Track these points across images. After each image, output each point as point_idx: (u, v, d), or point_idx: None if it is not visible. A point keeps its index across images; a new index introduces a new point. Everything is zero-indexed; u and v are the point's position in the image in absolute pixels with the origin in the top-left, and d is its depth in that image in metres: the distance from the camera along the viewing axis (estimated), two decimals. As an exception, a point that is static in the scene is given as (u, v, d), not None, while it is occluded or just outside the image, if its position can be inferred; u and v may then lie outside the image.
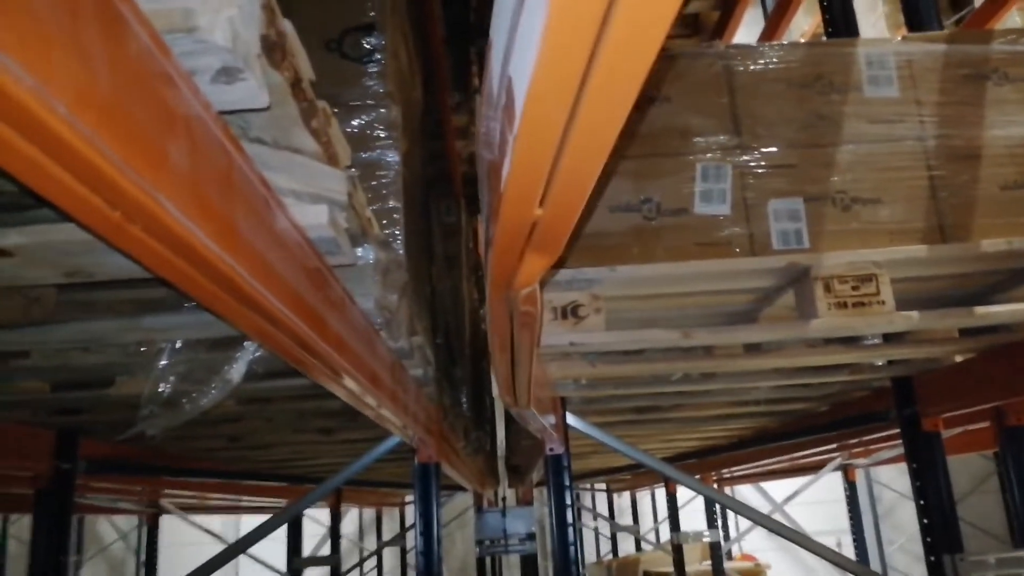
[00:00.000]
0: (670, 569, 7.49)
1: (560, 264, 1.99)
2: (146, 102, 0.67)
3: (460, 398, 4.38)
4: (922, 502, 2.91)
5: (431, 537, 2.74)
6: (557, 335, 1.88)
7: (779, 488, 10.60)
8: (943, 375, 2.82)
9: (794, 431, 3.98)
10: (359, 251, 1.51)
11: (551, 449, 2.83)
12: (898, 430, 3.08)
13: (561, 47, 0.56)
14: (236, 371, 1.68)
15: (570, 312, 1.90)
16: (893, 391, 3.03)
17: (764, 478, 9.14)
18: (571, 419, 2.88)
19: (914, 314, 1.95)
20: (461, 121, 4.85)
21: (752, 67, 2.18)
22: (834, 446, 4.56)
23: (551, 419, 2.82)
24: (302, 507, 2.75)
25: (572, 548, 2.72)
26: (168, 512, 6.56)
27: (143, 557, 7.43)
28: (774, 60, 2.18)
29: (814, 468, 7.63)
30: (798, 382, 2.93)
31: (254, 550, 7.56)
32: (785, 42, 2.35)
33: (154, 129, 0.68)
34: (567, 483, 2.81)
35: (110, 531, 11.63)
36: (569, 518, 2.75)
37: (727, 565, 7.73)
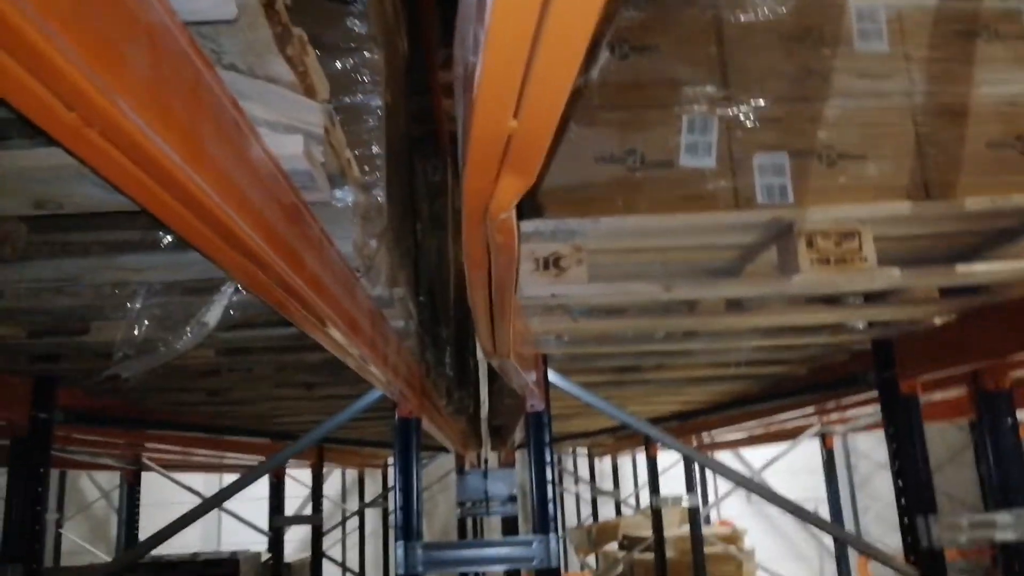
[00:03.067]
0: (649, 533, 7.59)
1: (541, 213, 1.97)
2: (108, 5, 0.64)
3: (443, 358, 4.37)
4: (898, 464, 2.94)
5: (411, 492, 2.75)
6: (538, 286, 1.87)
7: (758, 456, 10.75)
8: (922, 338, 2.84)
9: (774, 394, 4.01)
10: (337, 192, 1.48)
11: (532, 406, 2.83)
12: (876, 395, 3.11)
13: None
14: (212, 315, 1.65)
15: (552, 263, 1.88)
16: (873, 353, 3.05)
17: (744, 445, 9.24)
18: (553, 376, 2.88)
19: (895, 271, 1.95)
20: (448, 78, 4.78)
21: (743, 17, 2.14)
22: (813, 411, 4.60)
23: (532, 376, 2.82)
24: (280, 461, 2.74)
25: (551, 506, 2.73)
26: (149, 469, 6.56)
27: (125, 516, 7.42)
28: (765, 10, 2.15)
29: (793, 435, 7.73)
30: (779, 343, 2.94)
31: (237, 510, 7.60)
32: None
33: (115, 32, 0.65)
34: (547, 440, 2.82)
35: (92, 489, 11.62)
36: (549, 475, 2.76)
37: (705, 529, 7.84)
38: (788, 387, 4.00)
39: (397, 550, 2.67)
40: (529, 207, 2.02)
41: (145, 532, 9.12)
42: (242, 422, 4.47)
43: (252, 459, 7.44)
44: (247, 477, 2.85)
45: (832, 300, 2.50)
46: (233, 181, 0.92)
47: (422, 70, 3.88)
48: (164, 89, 0.73)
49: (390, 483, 11.52)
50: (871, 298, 2.56)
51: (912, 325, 2.82)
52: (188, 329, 1.63)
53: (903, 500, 2.91)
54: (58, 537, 11.33)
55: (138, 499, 7.25)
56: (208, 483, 15.43)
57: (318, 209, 1.37)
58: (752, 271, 2.20)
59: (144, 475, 7.19)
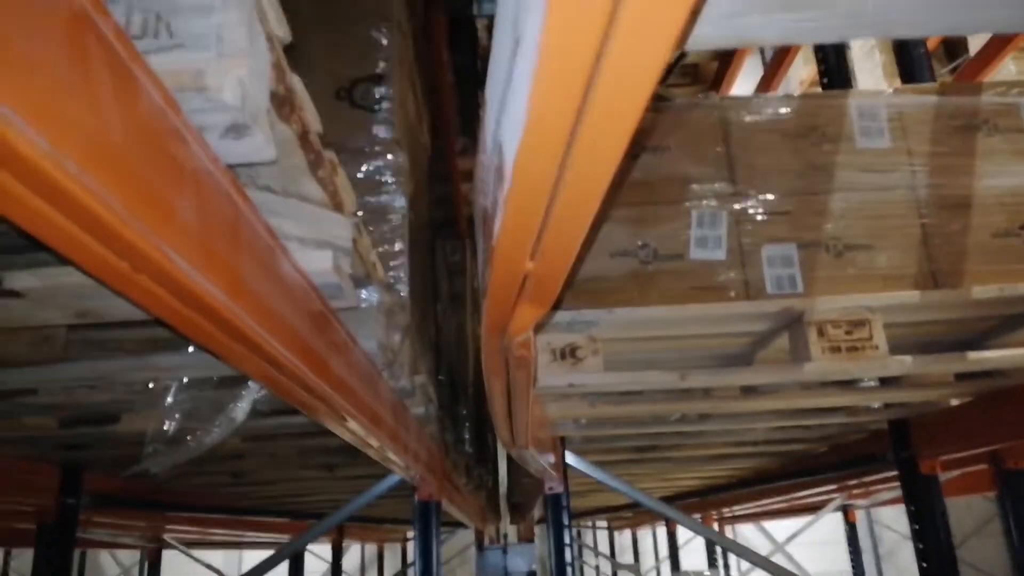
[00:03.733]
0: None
1: (558, 306, 2.03)
2: (155, 157, 0.71)
3: (463, 435, 4.40)
4: (920, 545, 2.91)
5: (431, 574, 2.75)
6: (556, 376, 1.92)
7: (780, 528, 10.51)
8: (939, 418, 2.84)
9: (792, 472, 3.98)
10: (363, 293, 1.56)
11: (550, 488, 2.84)
12: (896, 472, 3.09)
13: (547, 116, 0.61)
14: (240, 409, 1.71)
15: (568, 353, 1.94)
16: (890, 433, 3.05)
17: (765, 518, 9.06)
18: (570, 458, 2.90)
19: (907, 359, 1.99)
20: (467, 164, 4.94)
21: (748, 118, 2.24)
22: (834, 487, 4.55)
23: (550, 458, 2.84)
24: (303, 543, 2.76)
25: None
26: (170, 547, 6.53)
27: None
28: (769, 111, 2.25)
29: (814, 508, 7.59)
30: (795, 424, 2.95)
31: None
32: (780, 94, 2.42)
33: (163, 183, 0.72)
34: (566, 522, 2.83)
35: (112, 565, 11.51)
36: (568, 557, 2.76)
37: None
38: (807, 464, 3.97)
39: (416, 637, 2.66)
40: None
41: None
42: (264, 502, 4.48)
43: (273, 537, 7.39)
44: (270, 559, 2.86)
45: (846, 383, 2.53)
46: (266, 302, 0.99)
47: (443, 155, 4.03)
48: (208, 232, 0.81)
49: (410, 558, 11.35)
50: (886, 381, 2.59)
51: (928, 407, 2.83)
52: (217, 424, 1.69)
53: (928, 583, 2.87)
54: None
55: (157, 576, 7.20)
56: (228, 559, 15.25)
57: (344, 312, 1.44)
58: (765, 357, 2.24)
59: (165, 552, 7.15)
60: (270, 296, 1.01)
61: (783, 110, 2.23)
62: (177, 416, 1.72)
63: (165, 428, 1.72)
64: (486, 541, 8.97)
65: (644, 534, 12.92)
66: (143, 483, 3.48)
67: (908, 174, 2.18)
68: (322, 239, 1.22)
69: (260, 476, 3.62)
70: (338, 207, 1.29)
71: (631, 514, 9.80)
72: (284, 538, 7.42)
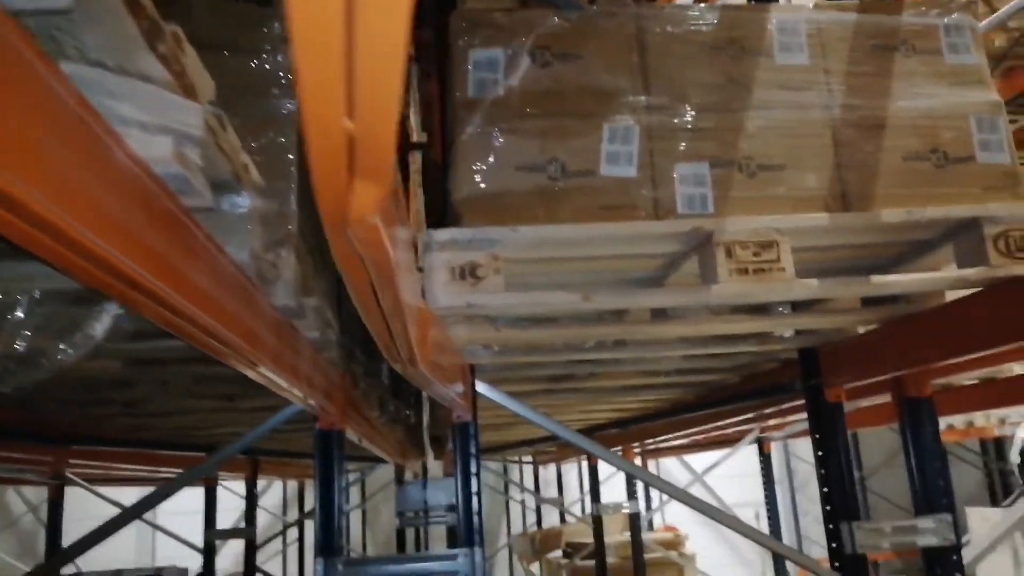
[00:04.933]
0: (591, 540, 7.58)
1: (458, 222, 1.92)
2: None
3: (377, 368, 4.30)
4: (823, 471, 2.96)
5: (331, 507, 2.66)
6: (454, 296, 1.81)
7: (702, 461, 10.86)
8: (846, 346, 2.86)
9: (706, 402, 4.02)
10: (232, 198, 1.40)
11: (458, 416, 2.77)
12: (803, 400, 3.13)
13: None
14: (100, 326, 1.56)
15: (468, 273, 1.83)
16: (799, 362, 3.07)
17: (686, 451, 9.33)
18: (481, 387, 2.83)
19: (813, 282, 1.95)
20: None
21: (666, 27, 2.13)
22: (749, 417, 4.63)
23: (459, 387, 2.76)
24: (197, 475, 2.63)
25: (476, 518, 2.68)
26: (73, 483, 6.29)
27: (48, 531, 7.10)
28: (688, 21, 2.14)
29: (732, 441, 7.82)
30: (707, 352, 2.94)
31: (172, 524, 7.33)
32: (701, 4, 2.31)
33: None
34: (474, 452, 2.77)
35: (19, 503, 11.15)
36: (475, 486, 2.71)
37: (647, 535, 7.87)
38: (721, 395, 4.02)
39: (316, 567, 2.58)
40: (446, 216, 1.97)
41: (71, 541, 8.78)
42: (162, 435, 4.30)
43: (177, 472, 7.21)
44: (163, 490, 2.73)
45: (757, 309, 2.51)
46: (90, 197, 0.84)
47: None
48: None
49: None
50: (796, 307, 2.58)
51: (836, 334, 2.85)
52: (74, 342, 1.53)
53: (828, 507, 2.93)
54: (-12, 554, 10.86)
55: (60, 513, 6.95)
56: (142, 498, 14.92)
57: (208, 219, 1.29)
58: (675, 281, 2.18)
59: (75, 490, 6.90)
60: (94, 189, 0.86)
61: (703, 20, 2.12)
62: (28, 333, 1.55)
63: (16, 346, 1.55)
64: (409, 476, 8.98)
65: (568, 468, 13.21)
66: (29, 413, 3.27)
67: (824, 93, 2.12)
68: (166, 125, 1.06)
69: (154, 406, 3.45)
70: (188, 91, 1.13)
71: (554, 448, 9.96)
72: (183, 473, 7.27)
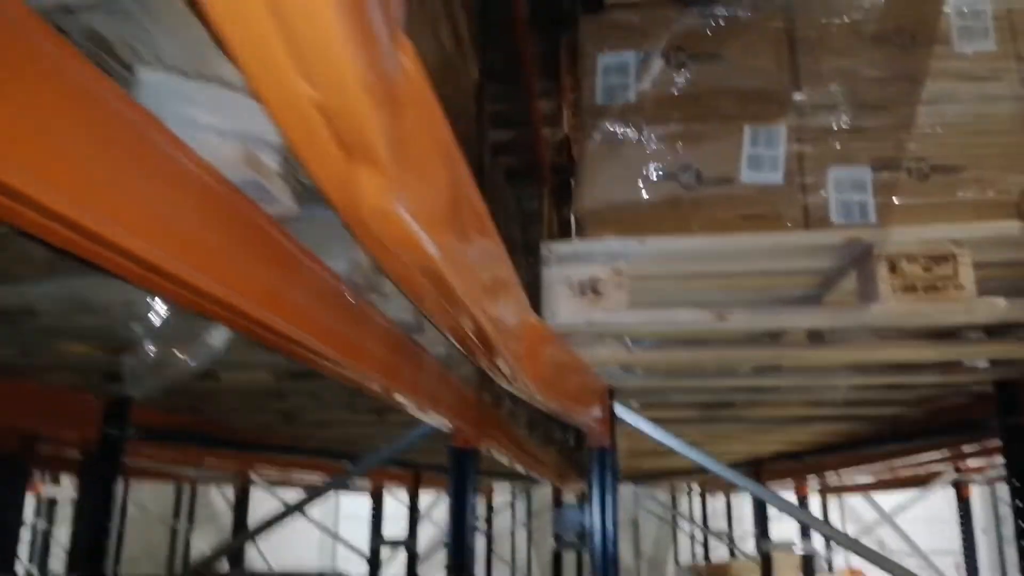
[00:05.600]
0: (760, 578, 7.08)
1: (581, 234, 1.80)
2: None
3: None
4: (1022, 523, 2.53)
5: (462, 527, 2.61)
6: (573, 313, 1.69)
7: (892, 500, 9.89)
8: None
9: (885, 437, 3.59)
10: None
11: (596, 442, 2.63)
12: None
13: None
14: (217, 336, 1.58)
15: (589, 288, 1.70)
16: (995, 396, 2.65)
17: (872, 488, 8.51)
18: (620, 411, 2.67)
19: (1000, 301, 1.64)
20: (548, 108, 4.68)
21: (821, 19, 1.90)
22: (939, 456, 4.12)
23: (596, 411, 2.62)
24: (337, 485, 2.66)
25: (613, 548, 2.52)
26: (254, 484, 6.75)
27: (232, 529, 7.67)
28: (846, 11, 1.90)
29: (924, 480, 7.02)
30: (880, 382, 2.60)
31: (351, 531, 7.64)
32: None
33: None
34: (612, 480, 2.61)
35: (221, 502, 12.16)
36: (610, 518, 2.55)
37: (825, 578, 7.23)
38: (903, 430, 3.58)
39: (448, 588, 2.53)
40: (568, 228, 1.86)
41: (266, 547, 9.45)
42: (324, 444, 4.47)
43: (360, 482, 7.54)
44: (312, 493, 2.81)
45: (941, 336, 2.17)
46: (141, 206, 0.82)
47: (523, 98, 3.78)
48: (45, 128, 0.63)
49: (496, 509, 11.42)
50: (993, 333, 2.21)
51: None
52: (196, 350, 1.57)
53: (1033, 570, 2.50)
54: (187, 544, 11.95)
55: (245, 513, 7.48)
56: (325, 505, 15.91)
57: (303, 226, 1.26)
58: (831, 302, 1.93)
59: (262, 495, 7.43)
60: (148, 196, 0.84)
61: (864, 8, 1.87)
62: (155, 340, 1.61)
63: (145, 353, 1.62)
64: (570, 499, 8.86)
65: (740, 500, 12.51)
66: (199, 418, 3.50)
67: (1017, 83, 1.80)
68: (240, 130, 1.03)
69: (312, 418, 3.58)
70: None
71: (713, 478, 9.44)
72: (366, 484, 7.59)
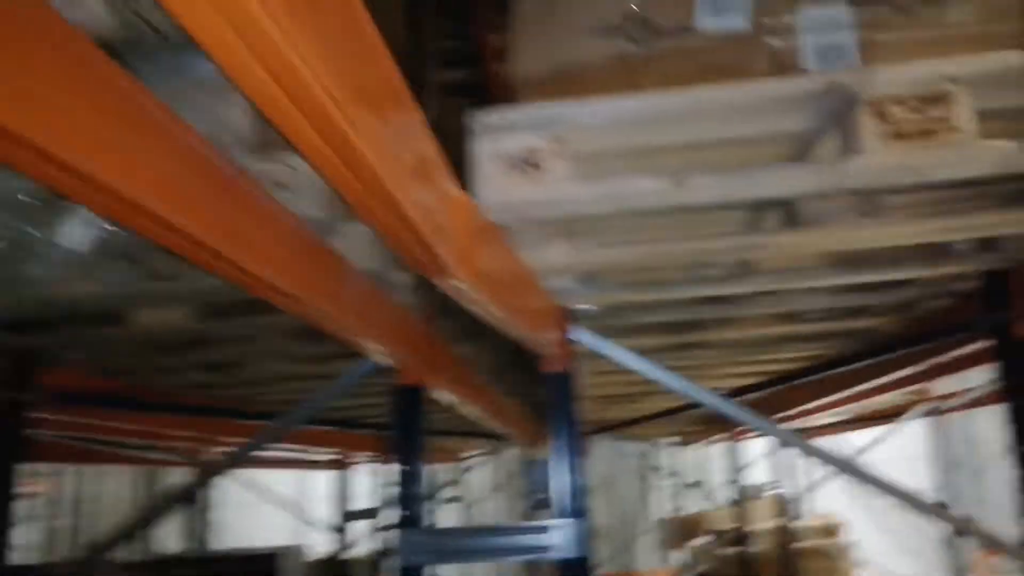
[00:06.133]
0: (736, 525, 6.98)
1: (512, 99, 1.52)
2: None
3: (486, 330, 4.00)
4: (1017, 428, 2.34)
5: (414, 474, 2.34)
6: (507, 191, 1.42)
7: (859, 442, 9.90)
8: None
9: (861, 354, 3.39)
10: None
11: (550, 365, 2.38)
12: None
13: None
14: (73, 237, 1.29)
15: (526, 162, 1.43)
16: (983, 291, 2.45)
17: (839, 430, 8.44)
18: (578, 334, 2.42)
19: (1004, 144, 1.40)
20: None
21: None
22: (914, 375, 3.90)
23: (552, 334, 2.37)
24: (258, 445, 2.37)
25: (577, 485, 2.28)
26: (211, 466, 6.44)
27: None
28: None
29: (895, 415, 6.91)
30: (859, 279, 2.37)
31: (317, 508, 7.39)
32: None
33: None
34: (572, 408, 2.37)
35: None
36: (572, 450, 2.31)
37: (800, 522, 7.15)
38: (880, 346, 3.38)
39: (398, 540, 2.28)
40: (498, 95, 1.58)
41: (233, 529, 9.14)
42: (271, 408, 4.16)
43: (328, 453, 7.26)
44: (241, 452, 2.51)
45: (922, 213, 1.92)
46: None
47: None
48: None
49: (471, 477, 11.22)
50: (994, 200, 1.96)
51: (1030, 251, 2.22)
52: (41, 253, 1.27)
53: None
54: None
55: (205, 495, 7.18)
56: (298, 481, 15.59)
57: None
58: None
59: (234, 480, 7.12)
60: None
61: None
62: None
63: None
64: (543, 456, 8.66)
65: (712, 452, 12.47)
66: (117, 381, 3.17)
67: None
68: None
69: (250, 372, 3.26)
70: None
71: (692, 429, 9.34)
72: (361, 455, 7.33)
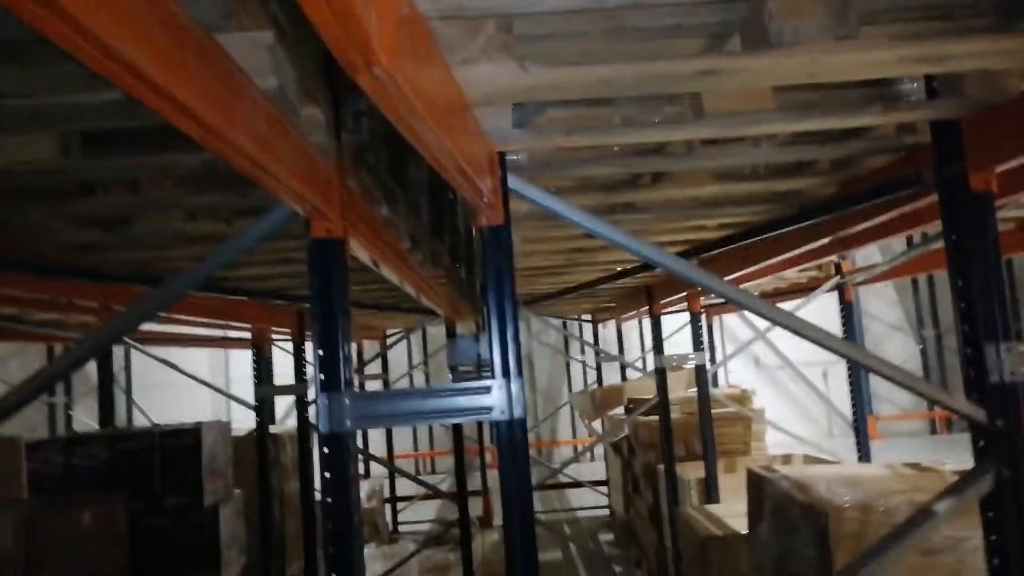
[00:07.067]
0: (653, 396, 7.15)
1: None
2: None
3: (418, 201, 3.77)
4: (962, 282, 2.29)
5: (333, 332, 2.13)
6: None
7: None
8: (1005, 114, 2.12)
9: (792, 219, 3.30)
10: None
11: (487, 219, 2.17)
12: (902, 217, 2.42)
13: None
14: None
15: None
16: (933, 142, 2.34)
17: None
18: (514, 182, 2.21)
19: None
20: None
21: None
22: (829, 243, 3.87)
23: (487, 182, 2.15)
24: (141, 317, 2.08)
25: (514, 344, 2.12)
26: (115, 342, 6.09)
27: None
28: None
29: (809, 290, 7.11)
30: (808, 126, 2.21)
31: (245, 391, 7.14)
32: None
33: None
34: (510, 264, 2.18)
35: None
36: (509, 308, 2.14)
37: (713, 391, 7.38)
38: (811, 211, 3.30)
39: (319, 402, 2.09)
40: None
41: (152, 411, 8.83)
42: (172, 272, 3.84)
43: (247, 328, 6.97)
44: (107, 333, 2.24)
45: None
46: None
47: None
48: None
49: (390, 355, 11.17)
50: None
51: (993, 95, 2.10)
52: None
53: (967, 326, 2.28)
54: (68, 419, 11.16)
55: (110, 375, 6.82)
56: (213, 363, 15.28)
57: None
58: None
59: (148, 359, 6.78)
60: None
61: None
62: None
63: None
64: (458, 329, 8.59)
65: (629, 328, 12.76)
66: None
67: None
68: None
69: (145, 229, 2.91)
70: None
71: (613, 302, 9.44)
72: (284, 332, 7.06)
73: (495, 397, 2.06)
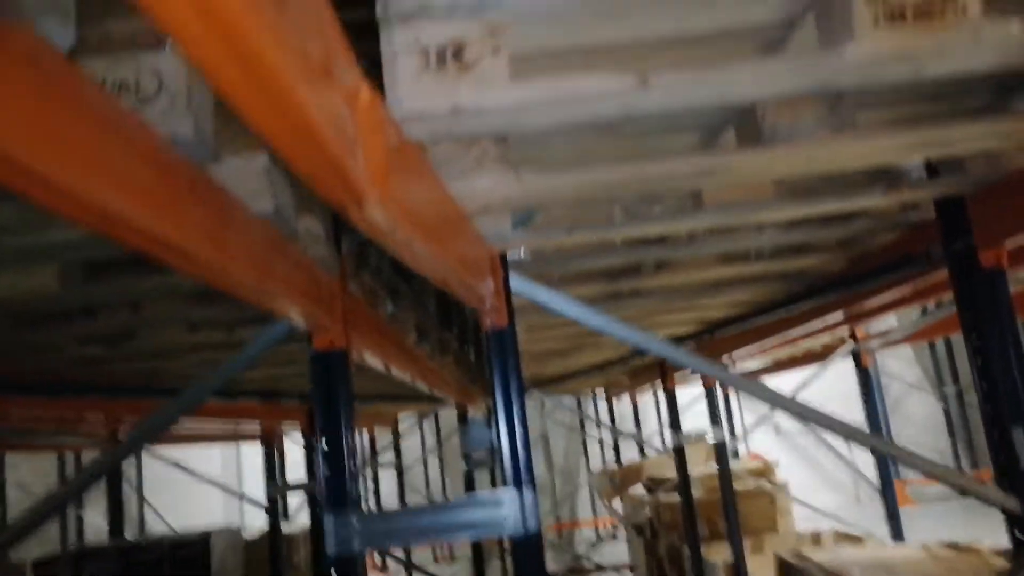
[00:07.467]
0: (674, 473, 6.96)
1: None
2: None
3: (424, 291, 3.76)
4: (982, 362, 2.22)
5: (339, 452, 2.07)
6: (429, 93, 1.14)
7: (786, 385, 10.08)
8: (1007, 187, 2.10)
9: (800, 296, 3.26)
10: None
11: (490, 322, 2.13)
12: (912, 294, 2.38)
13: None
14: None
15: (451, 56, 1.15)
16: (938, 219, 2.31)
17: (767, 373, 8.53)
18: (516, 282, 2.18)
19: (1016, 25, 1.20)
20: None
21: None
22: (843, 318, 3.83)
23: (488, 284, 2.12)
24: (161, 424, 2.04)
25: (524, 451, 2.05)
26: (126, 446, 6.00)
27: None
28: None
29: (824, 356, 7.00)
30: (811, 211, 2.19)
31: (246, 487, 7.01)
32: None
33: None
34: (515, 365, 2.13)
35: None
36: (518, 412, 2.07)
37: (734, 465, 7.18)
38: (819, 287, 3.26)
39: (326, 524, 2.01)
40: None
41: (165, 509, 8.66)
42: (182, 381, 3.80)
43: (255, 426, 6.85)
44: (147, 429, 2.19)
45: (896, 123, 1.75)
46: None
47: None
48: None
49: (402, 440, 10.98)
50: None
51: (995, 171, 2.08)
52: None
53: (990, 407, 2.20)
54: (79, 522, 10.93)
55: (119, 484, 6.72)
56: (226, 458, 15.09)
57: None
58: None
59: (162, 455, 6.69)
60: None
61: None
62: None
63: None
64: (475, 414, 8.47)
65: (645, 401, 12.56)
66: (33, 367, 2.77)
67: None
68: None
69: (150, 344, 2.90)
70: None
71: (626, 371, 9.31)
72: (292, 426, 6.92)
73: (508, 509, 1.97)
